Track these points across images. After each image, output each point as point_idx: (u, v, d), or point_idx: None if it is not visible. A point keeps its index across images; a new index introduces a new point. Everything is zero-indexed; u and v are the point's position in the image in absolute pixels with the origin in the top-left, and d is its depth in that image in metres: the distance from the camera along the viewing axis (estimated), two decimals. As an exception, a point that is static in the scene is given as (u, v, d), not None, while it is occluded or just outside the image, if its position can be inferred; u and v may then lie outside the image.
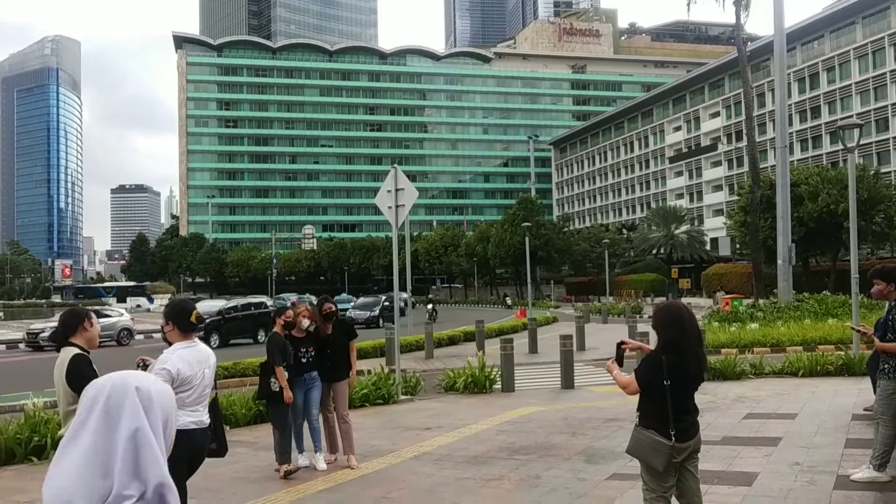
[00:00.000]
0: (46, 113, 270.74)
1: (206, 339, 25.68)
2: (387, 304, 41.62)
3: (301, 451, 8.28)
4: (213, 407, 4.97)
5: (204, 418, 4.81)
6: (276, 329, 8.18)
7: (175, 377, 4.61)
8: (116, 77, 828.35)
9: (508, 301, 65.27)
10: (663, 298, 48.72)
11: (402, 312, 28.59)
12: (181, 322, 4.85)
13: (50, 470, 1.65)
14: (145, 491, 1.56)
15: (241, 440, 9.88)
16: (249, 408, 11.00)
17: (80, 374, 4.50)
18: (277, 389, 7.80)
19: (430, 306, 45.50)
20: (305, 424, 8.29)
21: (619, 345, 5.00)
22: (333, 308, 8.69)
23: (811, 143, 78.27)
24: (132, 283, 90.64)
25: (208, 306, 30.64)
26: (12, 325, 47.59)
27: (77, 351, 4.66)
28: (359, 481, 7.58)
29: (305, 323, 8.27)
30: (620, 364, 4.86)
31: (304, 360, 8.16)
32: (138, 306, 67.86)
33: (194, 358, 4.80)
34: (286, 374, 7.80)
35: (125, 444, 1.59)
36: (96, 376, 4.56)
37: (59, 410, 4.65)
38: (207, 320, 27.70)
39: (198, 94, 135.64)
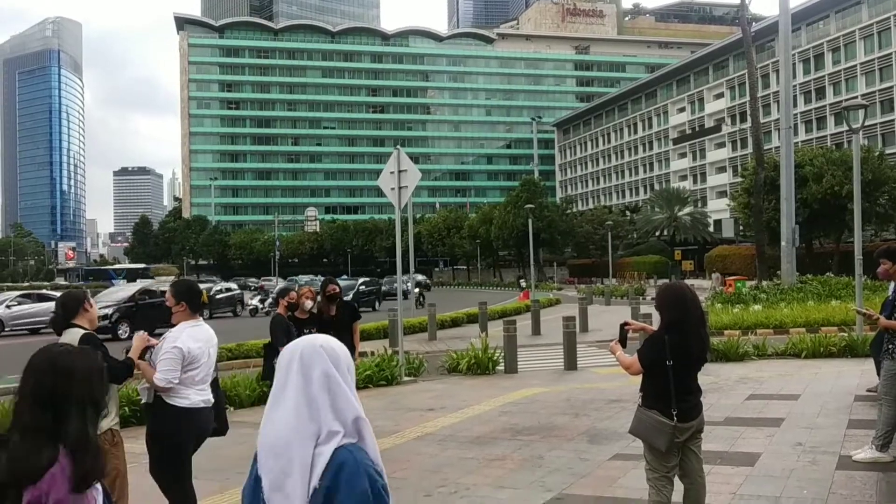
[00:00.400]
0: (48, 95, 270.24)
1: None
2: (363, 288, 39.65)
3: None
4: (215, 386, 5.07)
5: (210, 397, 4.91)
6: (280, 310, 8.19)
7: (186, 355, 4.71)
8: (118, 59, 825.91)
9: (523, 283, 61.81)
10: (666, 280, 48.72)
11: (405, 295, 28.64)
12: (193, 302, 4.96)
13: (263, 425, 2.04)
14: (346, 426, 1.98)
15: (246, 421, 9.90)
16: (253, 389, 11.04)
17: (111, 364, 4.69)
18: None
19: (416, 290, 40.50)
20: None
21: (623, 326, 5.01)
22: (337, 289, 8.71)
23: (816, 124, 77.86)
24: (142, 266, 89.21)
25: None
26: (16, 308, 47.67)
27: (85, 329, 4.67)
28: (362, 461, 7.60)
29: (308, 304, 8.29)
30: (624, 345, 4.88)
31: None
32: None
33: (202, 337, 4.90)
34: None
35: (322, 392, 1.98)
36: (106, 352, 4.60)
37: None
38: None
39: (199, 75, 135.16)
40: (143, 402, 4.89)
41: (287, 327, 7.95)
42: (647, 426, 4.58)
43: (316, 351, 2.04)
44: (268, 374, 8.14)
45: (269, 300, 35.56)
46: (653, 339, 4.67)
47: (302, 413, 1.97)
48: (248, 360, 15.28)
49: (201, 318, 5.04)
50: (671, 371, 4.51)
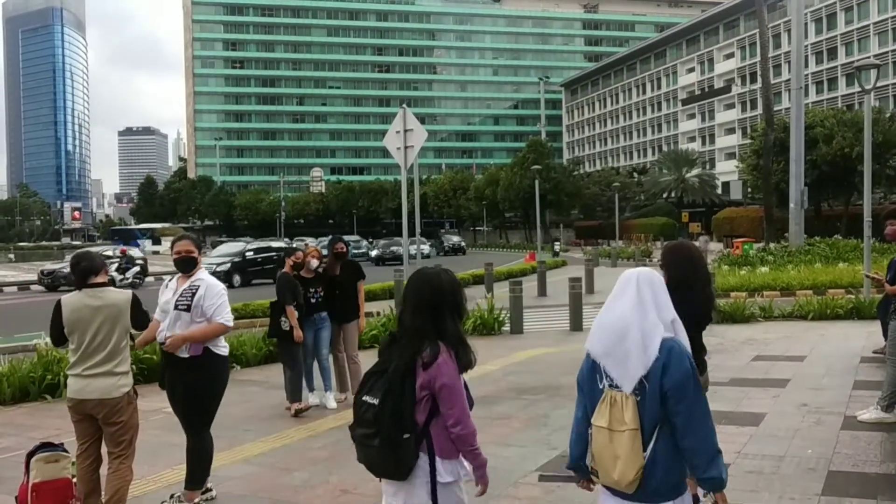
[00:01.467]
0: (52, 54, 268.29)
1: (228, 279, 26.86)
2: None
3: (311, 389, 8.37)
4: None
5: None
6: (286, 269, 8.18)
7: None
8: (121, 17, 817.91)
9: (557, 247, 52.38)
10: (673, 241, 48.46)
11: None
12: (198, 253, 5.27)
13: (605, 322, 2.81)
14: (666, 324, 2.78)
15: (252, 379, 9.98)
16: (260, 348, 11.09)
17: (147, 314, 4.93)
18: (288, 329, 7.85)
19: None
20: (315, 364, 8.37)
21: None
22: (345, 248, 8.68)
23: (827, 85, 76.91)
24: (168, 225, 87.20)
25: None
26: (23, 267, 48.01)
27: (132, 292, 4.92)
28: (369, 420, 7.65)
29: (314, 263, 8.29)
30: None
31: (313, 301, 8.21)
32: None
33: None
34: (297, 313, 7.84)
35: (651, 300, 2.79)
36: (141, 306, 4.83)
37: (98, 349, 4.62)
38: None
39: (204, 34, 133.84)
40: (183, 356, 4.95)
41: (294, 286, 7.95)
42: None
43: (649, 274, 2.88)
44: (274, 332, 8.12)
45: (136, 269, 30.15)
46: None
47: (636, 312, 2.74)
48: (255, 319, 15.33)
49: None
50: None
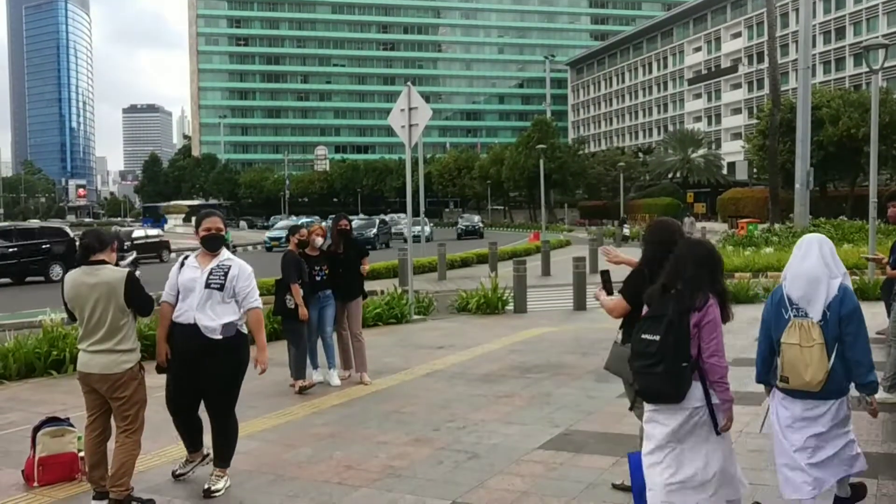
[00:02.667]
0: (56, 30, 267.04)
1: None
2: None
3: (315, 367, 8.41)
4: None
5: None
6: (291, 247, 8.20)
7: None
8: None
9: (627, 231, 44.05)
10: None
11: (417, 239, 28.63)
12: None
13: (798, 270, 3.98)
14: (840, 274, 3.96)
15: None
16: (264, 325, 11.11)
17: (145, 294, 4.79)
18: (293, 306, 7.87)
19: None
20: (319, 341, 8.41)
21: (604, 273, 4.93)
22: (348, 225, 8.68)
23: (834, 65, 76.32)
24: (199, 202, 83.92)
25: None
26: (29, 244, 48.09)
27: (128, 270, 4.79)
28: (372, 396, 7.71)
29: (318, 241, 8.31)
30: (609, 292, 4.76)
31: (317, 279, 8.22)
32: None
33: None
34: (301, 291, 7.87)
35: (831, 257, 3.99)
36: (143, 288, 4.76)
37: (98, 326, 4.62)
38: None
39: (208, 11, 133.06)
40: (216, 337, 4.85)
41: (298, 263, 7.97)
42: (620, 360, 4.44)
43: (823, 238, 4.10)
44: (278, 310, 8.16)
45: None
46: (634, 274, 4.56)
47: (822, 264, 3.94)
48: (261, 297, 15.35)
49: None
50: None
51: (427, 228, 49.18)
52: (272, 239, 41.92)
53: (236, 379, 5.04)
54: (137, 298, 4.72)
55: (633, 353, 3.82)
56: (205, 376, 4.89)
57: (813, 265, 3.96)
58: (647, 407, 3.84)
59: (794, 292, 3.97)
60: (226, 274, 4.90)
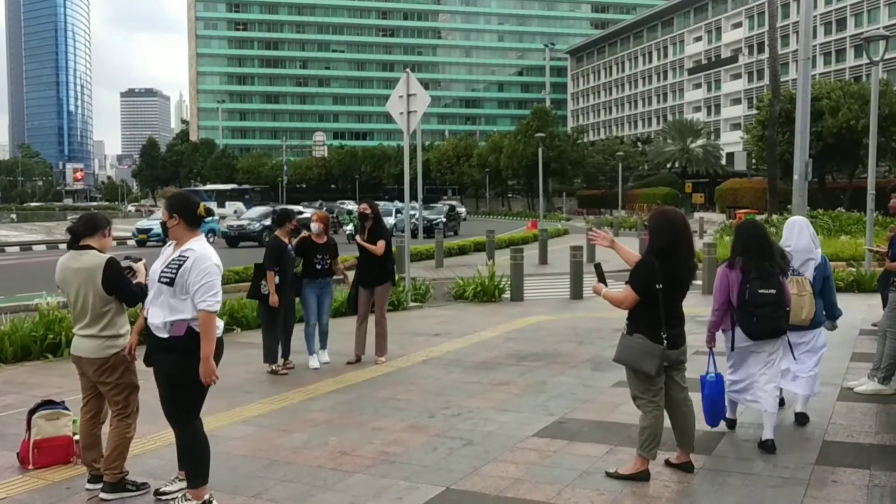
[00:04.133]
0: (53, 13, 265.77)
1: None
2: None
3: (312, 352, 8.51)
4: None
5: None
6: (279, 234, 8.30)
7: (220, 271, 4.30)
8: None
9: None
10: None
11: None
12: (189, 216, 4.35)
13: (789, 243, 5.81)
14: (819, 249, 6.00)
15: (253, 342, 10.01)
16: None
17: (123, 279, 4.59)
18: (266, 292, 8.01)
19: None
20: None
21: (597, 266, 5.02)
22: (369, 209, 8.80)
23: (835, 56, 76.14)
24: (231, 186, 78.49)
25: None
26: (25, 228, 48.08)
27: (110, 255, 4.68)
28: (368, 383, 7.72)
29: (315, 227, 8.43)
30: (605, 283, 4.90)
31: (318, 267, 8.38)
32: (235, 212, 57.08)
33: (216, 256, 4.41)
34: (277, 278, 7.99)
35: (814, 237, 5.98)
36: (129, 277, 4.59)
37: (83, 311, 4.60)
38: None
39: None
40: (162, 336, 4.21)
41: (280, 251, 8.07)
42: (634, 351, 4.62)
43: (808, 221, 5.93)
44: (252, 294, 8.36)
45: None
46: (643, 264, 4.66)
47: (811, 242, 5.77)
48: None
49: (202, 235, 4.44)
50: (661, 295, 4.52)
51: (462, 211, 50.33)
52: (141, 231, 33.51)
53: (185, 386, 4.20)
54: (115, 287, 4.56)
55: (755, 304, 5.02)
56: (156, 377, 4.32)
57: (806, 242, 5.83)
58: (746, 342, 5.25)
59: (795, 261, 5.71)
60: (179, 267, 4.18)
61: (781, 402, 5.94)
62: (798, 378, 5.84)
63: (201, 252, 4.22)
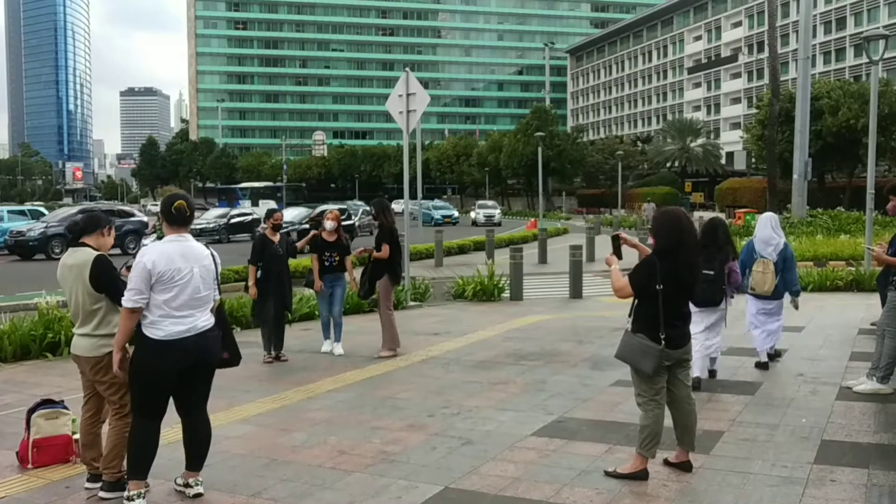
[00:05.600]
0: (53, 12, 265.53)
1: None
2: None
3: (326, 338, 9.28)
4: (219, 313, 4.60)
5: (201, 324, 4.36)
6: (265, 226, 8.81)
7: (151, 272, 4.20)
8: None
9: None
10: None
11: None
12: (167, 216, 4.41)
13: (758, 235, 7.83)
14: (782, 237, 7.95)
15: (251, 341, 10.02)
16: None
17: (110, 277, 4.56)
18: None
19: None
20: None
21: (615, 237, 5.03)
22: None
23: (834, 55, 76.12)
24: (264, 184, 76.38)
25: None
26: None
27: (99, 252, 4.65)
28: (367, 382, 7.72)
29: (329, 224, 9.02)
30: (619, 256, 4.95)
31: (326, 264, 9.01)
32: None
33: (179, 253, 4.31)
34: (259, 272, 8.57)
35: (777, 228, 7.89)
36: (118, 274, 4.54)
37: (77, 310, 4.62)
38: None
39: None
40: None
41: (261, 246, 8.61)
42: (633, 350, 4.64)
43: (774, 216, 7.97)
44: (246, 287, 9.01)
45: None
46: (644, 263, 4.67)
47: (772, 233, 7.70)
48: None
49: (187, 234, 4.46)
50: (661, 295, 4.53)
51: (497, 213, 50.86)
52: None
53: (131, 379, 4.35)
54: (103, 285, 4.52)
55: (690, 280, 5.02)
56: None
57: (769, 233, 7.73)
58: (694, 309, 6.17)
59: (759, 247, 7.73)
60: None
61: (713, 374, 7.48)
62: (766, 334, 7.90)
63: (143, 249, 4.41)
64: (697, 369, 6.79)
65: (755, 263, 7.56)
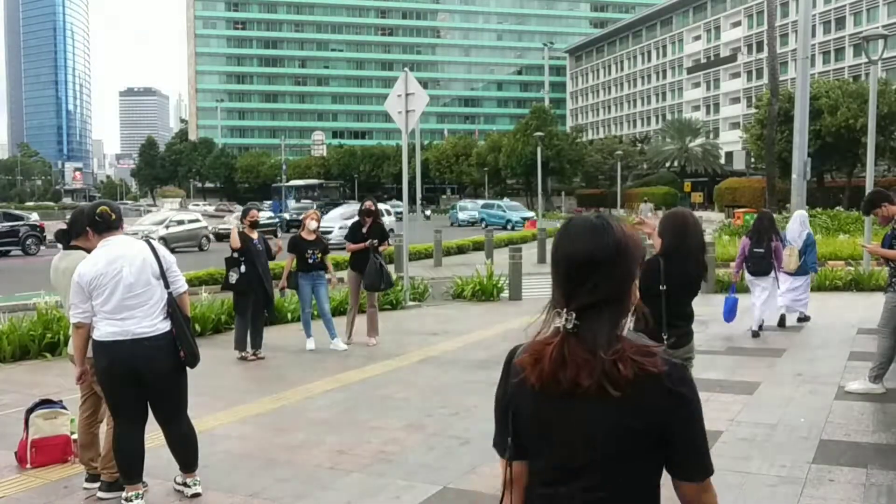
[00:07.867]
0: (52, 12, 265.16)
1: None
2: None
3: (309, 335, 9.38)
4: (172, 307, 4.37)
5: (139, 329, 4.22)
6: (243, 225, 8.98)
7: (84, 286, 4.21)
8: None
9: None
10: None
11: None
12: (91, 223, 4.41)
13: (788, 227, 10.76)
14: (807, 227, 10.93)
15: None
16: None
17: None
18: (234, 282, 8.72)
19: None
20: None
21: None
22: (373, 206, 9.74)
23: (834, 55, 76.12)
24: (306, 182, 74.29)
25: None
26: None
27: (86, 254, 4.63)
28: (366, 382, 7.72)
29: (312, 224, 9.17)
30: None
31: (310, 261, 9.09)
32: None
33: (104, 258, 4.26)
34: (243, 268, 8.76)
35: (804, 221, 10.84)
36: None
37: (68, 310, 4.63)
38: None
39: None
40: None
41: (244, 242, 8.77)
42: None
43: (805, 213, 11.24)
44: (225, 286, 9.01)
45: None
46: (648, 263, 4.65)
47: (800, 226, 10.52)
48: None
49: (116, 236, 4.37)
50: (664, 295, 4.53)
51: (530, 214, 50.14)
52: None
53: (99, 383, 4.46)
54: None
55: (751, 256, 9.68)
56: None
57: (797, 227, 10.33)
58: (749, 277, 9.92)
59: (790, 236, 10.22)
60: None
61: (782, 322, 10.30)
62: (792, 301, 10.32)
63: (78, 266, 4.36)
64: (767, 317, 10.00)
65: (785, 249, 10.00)
